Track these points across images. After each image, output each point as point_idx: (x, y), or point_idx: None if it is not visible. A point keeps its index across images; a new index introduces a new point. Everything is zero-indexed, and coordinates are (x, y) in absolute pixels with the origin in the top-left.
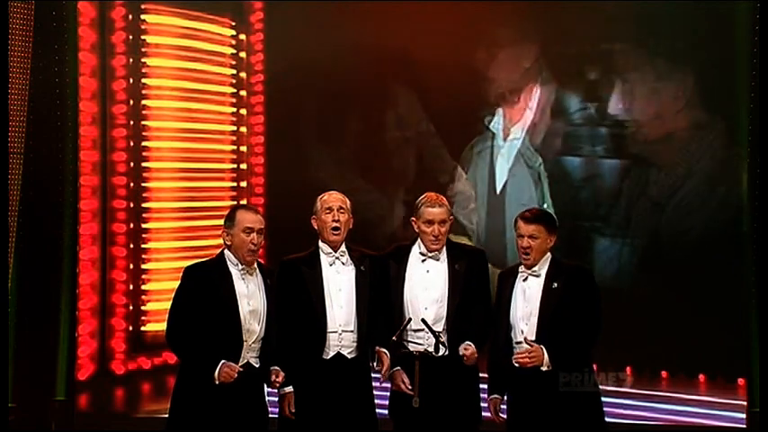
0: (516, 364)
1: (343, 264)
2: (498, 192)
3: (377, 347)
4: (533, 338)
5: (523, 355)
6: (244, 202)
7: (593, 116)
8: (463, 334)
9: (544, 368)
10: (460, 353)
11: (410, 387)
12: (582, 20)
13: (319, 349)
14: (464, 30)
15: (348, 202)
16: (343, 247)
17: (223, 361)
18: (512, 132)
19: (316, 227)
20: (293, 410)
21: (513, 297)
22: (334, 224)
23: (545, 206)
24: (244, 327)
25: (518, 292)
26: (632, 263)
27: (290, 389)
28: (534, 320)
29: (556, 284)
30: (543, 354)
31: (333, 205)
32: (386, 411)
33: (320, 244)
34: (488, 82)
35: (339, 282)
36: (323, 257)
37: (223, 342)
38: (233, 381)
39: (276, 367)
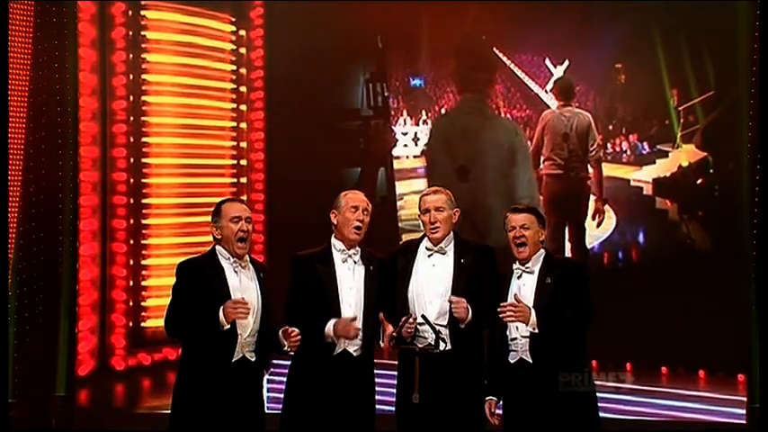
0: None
1: (354, 262)
2: None
3: (380, 313)
4: (527, 335)
5: (508, 308)
6: (244, 198)
7: None
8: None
9: (529, 329)
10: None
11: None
12: None
13: (329, 345)
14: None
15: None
16: (356, 246)
17: (222, 306)
18: None
19: (334, 222)
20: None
21: (509, 295)
22: (358, 223)
23: None
24: (238, 320)
25: (513, 290)
26: (633, 260)
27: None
28: None
29: (549, 279)
30: (530, 314)
31: (359, 205)
32: (388, 408)
33: (333, 241)
34: None
35: (350, 280)
36: (336, 254)
37: (217, 336)
38: (245, 315)
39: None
